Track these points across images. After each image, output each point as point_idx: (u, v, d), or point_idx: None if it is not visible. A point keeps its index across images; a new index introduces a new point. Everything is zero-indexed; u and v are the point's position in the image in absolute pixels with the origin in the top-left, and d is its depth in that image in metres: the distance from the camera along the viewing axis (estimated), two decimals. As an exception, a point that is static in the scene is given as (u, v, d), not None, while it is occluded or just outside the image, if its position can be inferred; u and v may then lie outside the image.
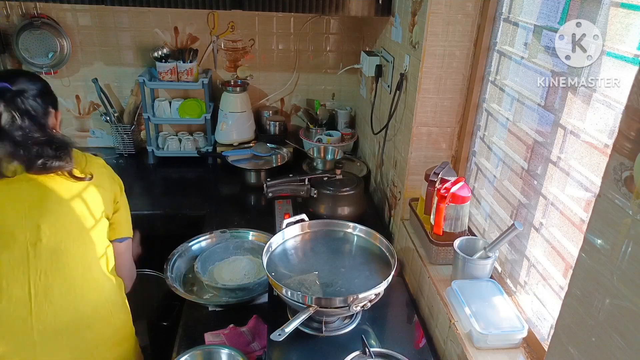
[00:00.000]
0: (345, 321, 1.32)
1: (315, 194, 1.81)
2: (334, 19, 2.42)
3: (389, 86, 1.84)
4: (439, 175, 1.39)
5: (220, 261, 1.64)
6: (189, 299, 1.44)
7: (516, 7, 1.28)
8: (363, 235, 1.46)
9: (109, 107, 2.33)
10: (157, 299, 1.73)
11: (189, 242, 1.68)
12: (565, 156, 1.05)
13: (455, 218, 1.37)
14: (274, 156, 2.34)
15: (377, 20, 2.03)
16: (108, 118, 2.37)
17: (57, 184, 1.18)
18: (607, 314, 0.69)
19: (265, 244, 1.37)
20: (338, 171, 1.86)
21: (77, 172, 1.20)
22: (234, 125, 2.37)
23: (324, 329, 1.27)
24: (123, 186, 1.35)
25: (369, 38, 2.28)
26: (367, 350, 1.17)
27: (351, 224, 1.48)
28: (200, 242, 1.70)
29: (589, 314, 0.73)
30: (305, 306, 1.17)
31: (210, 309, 1.43)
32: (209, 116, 2.34)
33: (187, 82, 2.29)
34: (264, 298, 1.45)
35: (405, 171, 1.63)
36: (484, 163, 1.45)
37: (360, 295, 1.16)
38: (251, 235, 1.75)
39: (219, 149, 2.36)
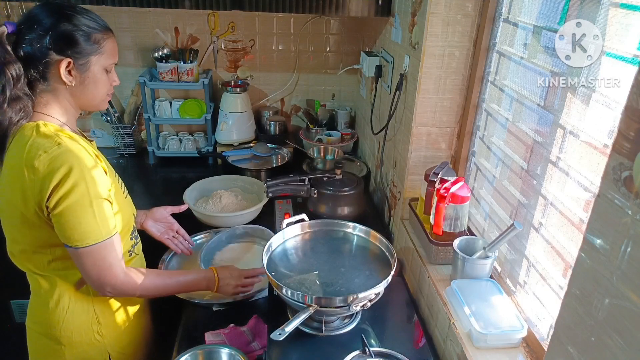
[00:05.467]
0: (345, 321, 1.32)
1: (315, 194, 1.81)
2: (334, 20, 2.43)
3: (388, 86, 1.84)
4: (439, 175, 1.40)
5: (220, 250, 1.65)
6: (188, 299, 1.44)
7: (516, 7, 1.28)
8: (363, 235, 1.46)
9: (109, 107, 2.34)
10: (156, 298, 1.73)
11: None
12: (564, 156, 1.05)
13: (454, 218, 1.37)
14: (274, 156, 2.34)
15: (377, 21, 2.03)
16: (109, 118, 2.37)
17: None
18: (606, 313, 0.69)
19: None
20: (338, 171, 1.86)
21: None
22: (234, 125, 2.38)
23: (324, 328, 1.27)
24: (72, 183, 1.04)
25: (368, 38, 2.28)
26: (367, 349, 1.17)
27: (351, 224, 1.48)
28: (195, 242, 1.69)
29: (589, 314, 0.73)
30: (305, 306, 1.18)
31: (214, 308, 1.43)
32: (209, 116, 2.34)
33: (188, 82, 2.29)
34: (264, 293, 1.45)
35: (405, 171, 1.63)
36: (483, 163, 1.45)
37: (360, 295, 1.16)
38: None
39: (219, 149, 2.36)
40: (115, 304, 1.28)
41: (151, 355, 1.45)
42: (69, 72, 1.10)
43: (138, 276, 1.20)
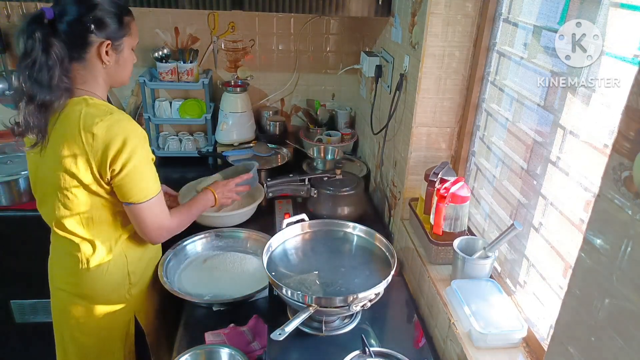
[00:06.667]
0: (345, 321, 1.32)
1: (315, 194, 1.81)
2: (334, 20, 2.43)
3: (388, 86, 1.84)
4: (439, 175, 1.40)
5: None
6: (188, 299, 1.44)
7: (516, 7, 1.28)
8: (363, 235, 1.46)
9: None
10: (155, 298, 1.73)
11: (184, 242, 1.66)
12: (564, 156, 1.05)
13: (454, 218, 1.37)
14: (274, 156, 2.34)
15: (377, 21, 2.03)
16: (108, 118, 2.37)
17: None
18: (606, 313, 0.69)
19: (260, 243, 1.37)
20: (338, 171, 1.86)
21: (28, 140, 1.24)
22: (235, 125, 2.38)
23: (324, 328, 1.27)
24: (132, 147, 1.18)
25: (368, 38, 2.28)
26: (367, 349, 1.17)
27: (351, 224, 1.48)
28: (194, 242, 1.68)
29: (589, 314, 0.73)
30: (305, 306, 1.18)
31: (214, 308, 1.43)
32: (209, 116, 2.34)
33: (188, 82, 2.29)
34: (265, 293, 1.45)
35: (405, 171, 1.63)
36: (483, 163, 1.45)
37: (360, 295, 1.16)
38: (244, 234, 1.75)
39: (219, 149, 2.36)
40: (142, 266, 1.44)
41: (173, 326, 1.46)
42: (106, 52, 1.22)
43: (175, 218, 1.38)
